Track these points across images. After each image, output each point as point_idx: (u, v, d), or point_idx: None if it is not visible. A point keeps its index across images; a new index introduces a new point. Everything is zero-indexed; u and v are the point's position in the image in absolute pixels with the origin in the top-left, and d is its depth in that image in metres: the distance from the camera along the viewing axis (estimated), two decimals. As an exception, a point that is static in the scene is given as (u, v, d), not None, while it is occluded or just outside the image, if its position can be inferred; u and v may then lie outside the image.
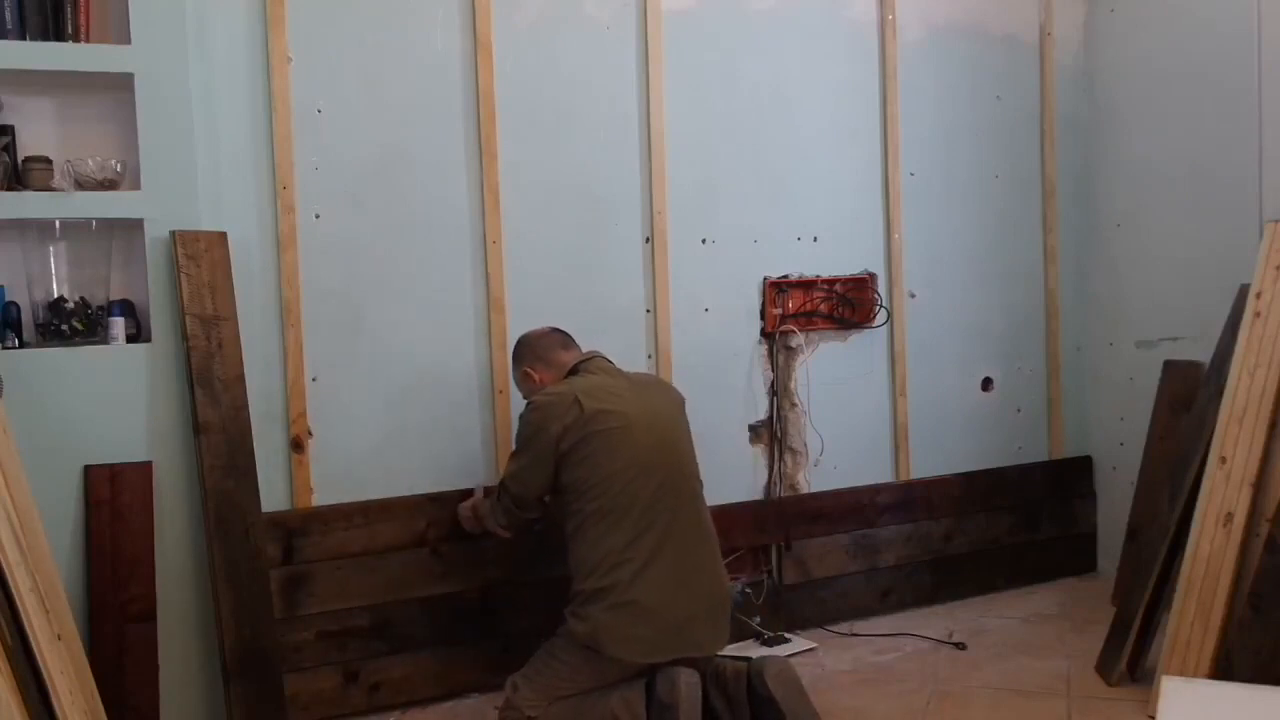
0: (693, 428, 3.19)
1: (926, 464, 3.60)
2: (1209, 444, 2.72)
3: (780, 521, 3.34)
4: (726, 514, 3.26)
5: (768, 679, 2.45)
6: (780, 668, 2.50)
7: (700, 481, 2.66)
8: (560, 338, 2.76)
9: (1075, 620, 3.40)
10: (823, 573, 3.41)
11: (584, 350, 2.75)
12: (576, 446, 2.50)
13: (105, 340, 2.52)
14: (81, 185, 2.48)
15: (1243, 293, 2.82)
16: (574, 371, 2.65)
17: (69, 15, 2.48)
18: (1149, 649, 2.88)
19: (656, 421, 2.59)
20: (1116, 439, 3.74)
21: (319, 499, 2.79)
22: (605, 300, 3.12)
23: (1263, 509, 2.56)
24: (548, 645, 2.58)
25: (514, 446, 2.69)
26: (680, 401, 2.74)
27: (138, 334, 2.58)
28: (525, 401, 2.68)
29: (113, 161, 2.50)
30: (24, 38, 2.44)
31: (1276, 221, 2.74)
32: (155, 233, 2.54)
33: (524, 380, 2.75)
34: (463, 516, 2.86)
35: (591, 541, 2.49)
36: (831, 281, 3.44)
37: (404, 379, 2.90)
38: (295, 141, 2.75)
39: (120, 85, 2.50)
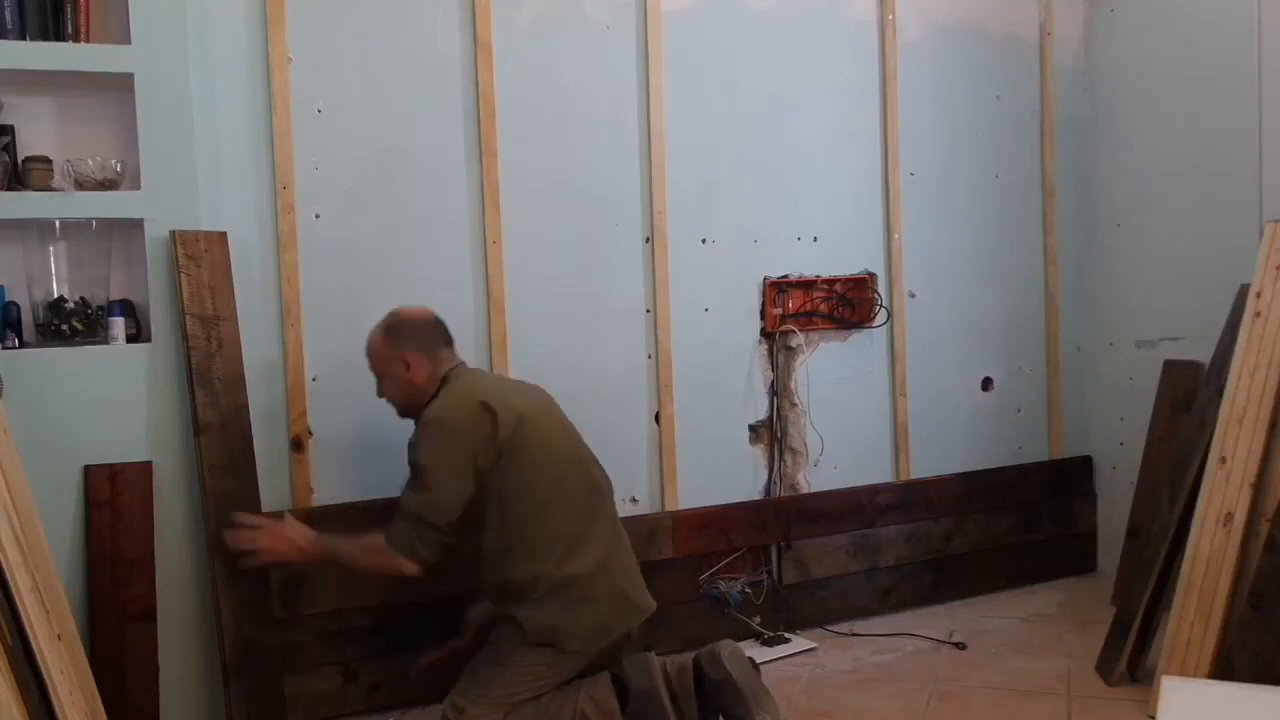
0: (692, 427, 3.24)
1: (926, 464, 3.60)
2: (1209, 444, 2.72)
3: (780, 521, 3.34)
4: (726, 514, 3.27)
5: (724, 660, 2.43)
6: (732, 649, 2.49)
7: (601, 468, 2.61)
8: (443, 331, 2.54)
9: (1075, 620, 3.40)
10: (823, 573, 3.41)
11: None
12: (501, 456, 2.38)
13: (105, 340, 2.52)
14: (81, 185, 2.48)
15: (1243, 293, 2.82)
16: (444, 380, 2.47)
17: (69, 15, 2.48)
18: (1149, 649, 2.88)
19: (553, 415, 2.54)
20: (1116, 439, 3.74)
21: (319, 499, 2.79)
22: (605, 300, 3.12)
23: (1263, 509, 2.56)
24: (490, 655, 2.46)
25: (414, 470, 2.41)
26: (553, 399, 2.64)
27: (138, 334, 2.58)
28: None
29: (113, 161, 2.50)
30: (24, 38, 2.44)
31: (1276, 221, 2.74)
32: (155, 233, 2.54)
33: (394, 365, 2.48)
34: (304, 556, 2.48)
35: (532, 545, 2.40)
36: (831, 281, 3.44)
37: (404, 379, 2.90)
38: (295, 141, 2.75)
39: (120, 85, 2.50)
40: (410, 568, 2.38)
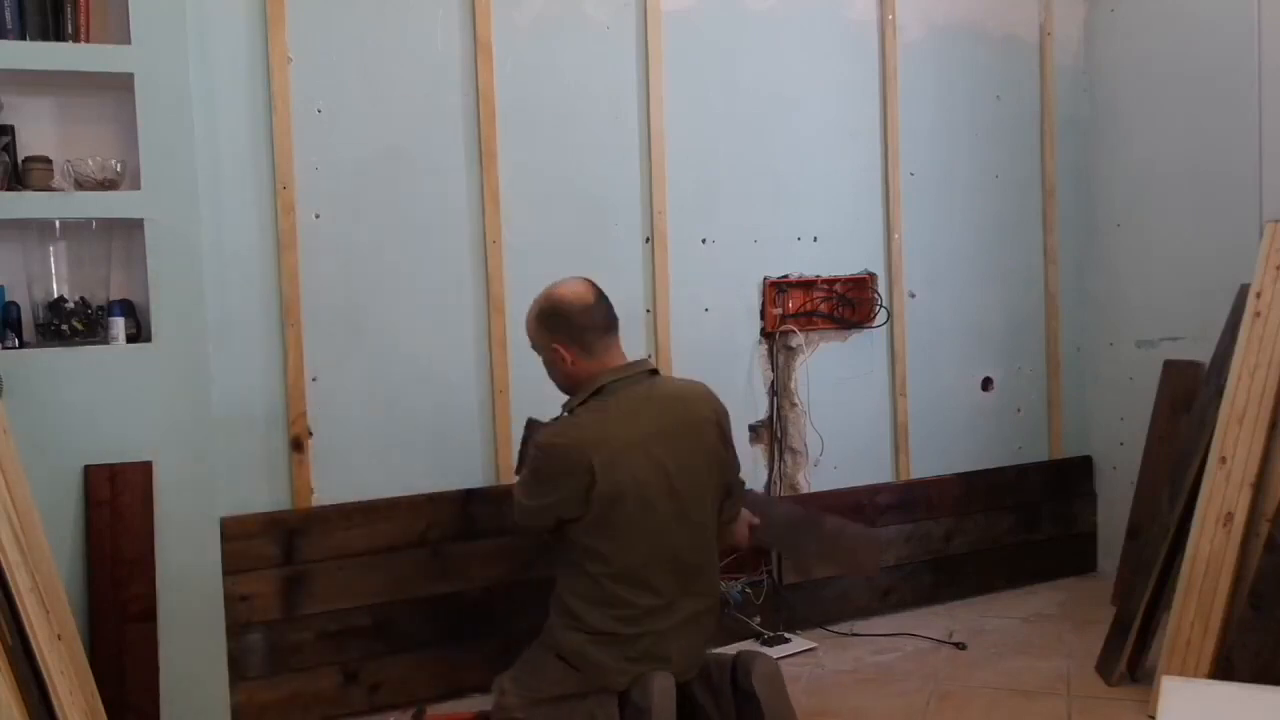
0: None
1: (926, 464, 3.60)
2: (1209, 444, 2.72)
3: (780, 521, 3.33)
4: (726, 514, 3.27)
5: (753, 677, 2.39)
6: (766, 667, 2.42)
7: (713, 529, 2.42)
8: (604, 318, 2.37)
9: (1075, 620, 3.40)
10: (823, 572, 3.41)
11: (619, 350, 2.41)
12: (586, 514, 2.26)
13: (105, 340, 2.52)
14: (81, 185, 2.48)
15: (1243, 293, 2.82)
16: (600, 390, 2.32)
17: (69, 15, 2.47)
18: (1149, 649, 2.88)
19: (676, 479, 2.30)
20: (1116, 439, 3.74)
21: (319, 499, 2.80)
22: (605, 300, 3.12)
23: (1263, 509, 2.56)
24: (534, 649, 2.46)
25: (521, 476, 2.42)
26: (711, 421, 2.41)
27: (138, 334, 2.58)
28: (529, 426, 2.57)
29: (113, 161, 2.50)
30: (24, 38, 2.44)
31: (1276, 221, 2.74)
32: (155, 232, 2.52)
33: (551, 355, 2.37)
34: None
35: (597, 593, 2.32)
36: (831, 281, 3.44)
37: (404, 379, 2.90)
38: (295, 141, 2.75)
39: (120, 85, 2.50)
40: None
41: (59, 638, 2.09)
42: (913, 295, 3.56)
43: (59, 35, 2.47)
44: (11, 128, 2.49)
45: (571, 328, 2.34)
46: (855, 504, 3.46)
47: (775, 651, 3.17)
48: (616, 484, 2.23)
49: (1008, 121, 3.71)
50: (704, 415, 2.41)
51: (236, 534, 2.68)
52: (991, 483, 3.70)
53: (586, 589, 2.33)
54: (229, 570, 2.65)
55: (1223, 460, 2.65)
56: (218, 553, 2.61)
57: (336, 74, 2.80)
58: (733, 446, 2.48)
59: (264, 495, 2.74)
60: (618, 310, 3.11)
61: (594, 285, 2.41)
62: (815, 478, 3.42)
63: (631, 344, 3.14)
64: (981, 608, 3.56)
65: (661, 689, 2.34)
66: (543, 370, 2.94)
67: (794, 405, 3.39)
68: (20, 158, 2.48)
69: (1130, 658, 2.87)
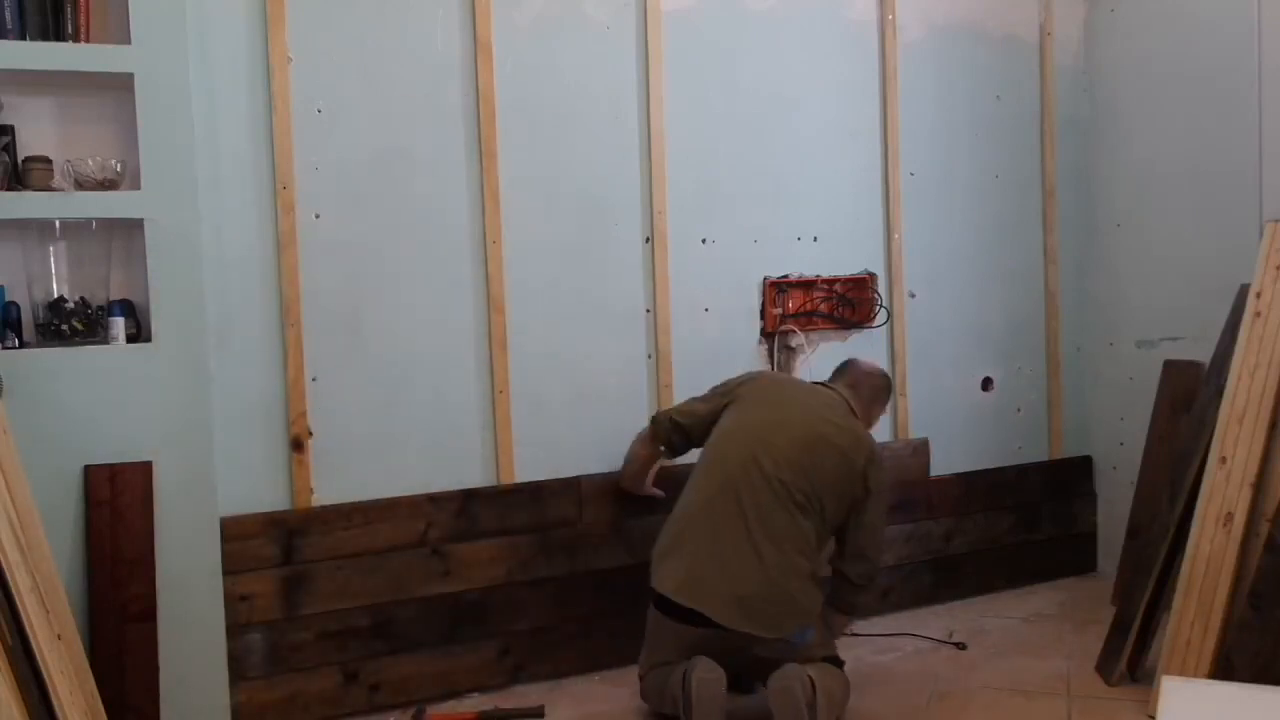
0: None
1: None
2: (1209, 444, 2.72)
3: (780, 521, 3.33)
4: (726, 514, 3.26)
5: (771, 689, 2.48)
6: (783, 684, 2.46)
7: (803, 499, 2.64)
8: (841, 372, 3.02)
9: (1075, 620, 3.40)
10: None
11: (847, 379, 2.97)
12: (720, 412, 2.82)
13: (105, 340, 2.52)
14: (81, 185, 2.48)
15: (1243, 293, 2.82)
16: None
17: (69, 15, 2.47)
18: (1149, 649, 2.88)
19: (794, 436, 2.69)
20: (1116, 439, 3.74)
21: (319, 499, 2.80)
22: (605, 300, 3.12)
23: (1263, 509, 2.56)
24: None
25: None
26: (851, 462, 2.70)
27: (138, 334, 2.58)
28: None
29: (113, 161, 2.50)
30: (24, 38, 2.43)
31: (1276, 221, 2.74)
32: (155, 232, 2.52)
33: None
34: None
35: (684, 491, 2.78)
36: (831, 281, 3.44)
37: (404, 379, 2.90)
38: (295, 141, 2.75)
39: (120, 85, 2.50)
40: (648, 429, 2.97)
41: (59, 638, 2.09)
42: (913, 295, 3.56)
43: (59, 35, 2.47)
44: (11, 128, 2.49)
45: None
46: (855, 504, 3.46)
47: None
48: (745, 392, 2.83)
49: (1008, 121, 3.71)
50: (843, 446, 2.72)
51: (236, 534, 2.68)
52: (991, 483, 3.70)
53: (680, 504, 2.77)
54: (229, 570, 2.65)
55: (1223, 460, 2.65)
56: (218, 553, 2.61)
57: (336, 74, 2.80)
58: (869, 510, 2.77)
59: (264, 495, 2.74)
60: (618, 309, 3.15)
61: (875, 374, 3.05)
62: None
63: (631, 344, 3.18)
64: (981, 608, 3.56)
65: (700, 679, 2.42)
66: (541, 371, 3.00)
67: (794, 405, 3.39)
68: (20, 158, 2.48)
69: (1130, 658, 2.87)
